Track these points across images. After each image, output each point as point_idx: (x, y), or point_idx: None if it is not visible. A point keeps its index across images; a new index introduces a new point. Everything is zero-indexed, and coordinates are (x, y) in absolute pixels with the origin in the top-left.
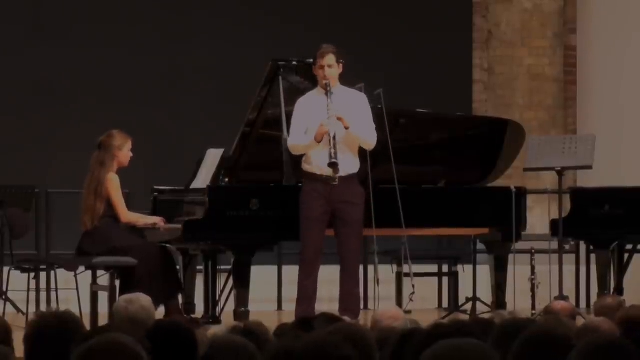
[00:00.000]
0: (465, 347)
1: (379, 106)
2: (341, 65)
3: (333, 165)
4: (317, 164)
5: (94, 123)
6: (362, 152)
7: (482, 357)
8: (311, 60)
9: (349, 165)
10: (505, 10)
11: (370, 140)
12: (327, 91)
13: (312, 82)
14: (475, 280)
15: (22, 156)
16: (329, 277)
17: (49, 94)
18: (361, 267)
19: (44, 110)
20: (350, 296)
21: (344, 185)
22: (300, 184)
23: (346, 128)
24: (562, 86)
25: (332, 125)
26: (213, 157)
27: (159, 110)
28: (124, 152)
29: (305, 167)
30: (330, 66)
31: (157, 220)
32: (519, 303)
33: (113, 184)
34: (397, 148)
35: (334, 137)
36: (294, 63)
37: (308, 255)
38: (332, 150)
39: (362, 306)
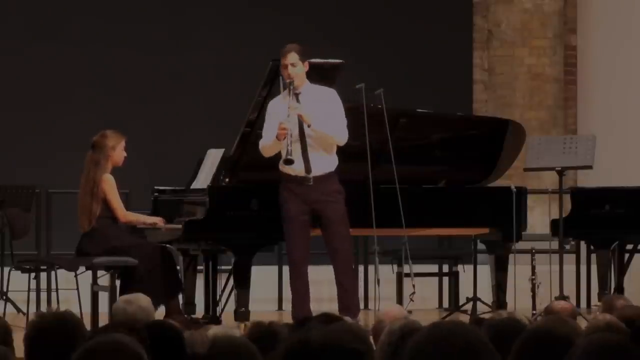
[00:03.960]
0: (452, 327)
1: (379, 106)
2: (306, 63)
3: (288, 162)
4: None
5: (94, 123)
6: (362, 152)
7: (469, 336)
8: (312, 60)
9: (323, 164)
10: (505, 10)
11: (338, 137)
12: (290, 90)
13: (313, 82)
14: (475, 280)
15: (22, 156)
16: (329, 277)
17: (50, 93)
18: (361, 267)
19: (44, 110)
20: (347, 295)
21: (319, 185)
22: None
23: (308, 126)
24: (562, 86)
25: (291, 123)
26: (213, 157)
27: (159, 110)
28: (118, 151)
29: (281, 168)
30: (294, 64)
31: (156, 220)
32: (519, 303)
33: (109, 185)
34: (398, 148)
35: (291, 135)
36: None
37: (295, 256)
38: (289, 148)
39: (362, 306)
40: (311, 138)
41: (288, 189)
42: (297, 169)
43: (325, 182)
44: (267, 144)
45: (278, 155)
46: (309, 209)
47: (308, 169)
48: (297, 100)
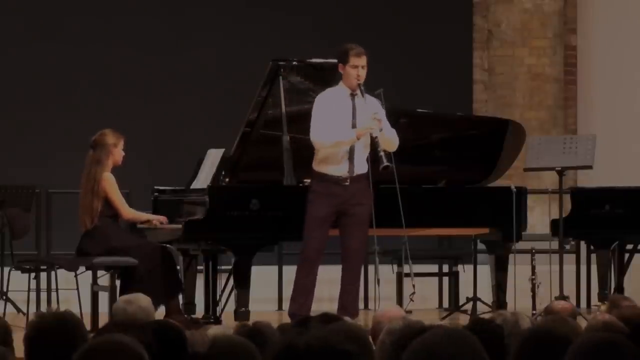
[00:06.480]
0: (448, 333)
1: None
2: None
3: (386, 169)
4: (333, 164)
5: (94, 123)
6: None
7: (464, 343)
8: (312, 60)
9: (360, 165)
10: (505, 10)
11: (397, 142)
12: (362, 91)
13: (313, 82)
14: (475, 280)
15: (22, 156)
16: (329, 277)
17: (50, 93)
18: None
19: (44, 109)
20: (348, 296)
21: (355, 185)
22: (300, 184)
23: (380, 130)
24: (562, 86)
25: (375, 126)
26: (213, 157)
27: (159, 110)
28: (119, 149)
29: (316, 167)
30: (364, 67)
31: (161, 218)
32: (519, 303)
33: (110, 183)
34: (398, 148)
35: (375, 138)
36: (294, 63)
37: (310, 254)
38: (381, 153)
39: (362, 306)
40: (360, 141)
41: (322, 187)
42: (341, 170)
43: (359, 183)
44: (337, 141)
45: (280, 156)
46: (337, 209)
47: (352, 171)
48: (353, 101)
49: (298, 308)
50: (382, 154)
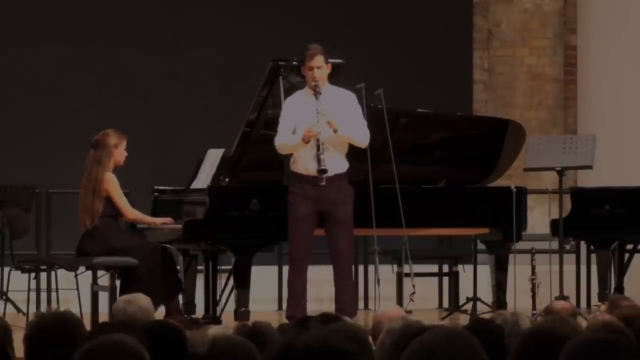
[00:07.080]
0: (448, 333)
1: (379, 106)
2: (330, 65)
3: (322, 172)
4: (303, 164)
5: (94, 123)
6: (362, 152)
7: (464, 343)
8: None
9: (336, 165)
10: (505, 10)
11: (362, 140)
12: (317, 92)
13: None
14: (475, 280)
15: (22, 156)
16: (329, 277)
17: (50, 93)
18: (361, 267)
19: (44, 109)
20: (343, 296)
21: (332, 185)
22: None
23: (335, 131)
24: (562, 86)
25: (321, 128)
26: (213, 157)
27: (159, 110)
28: (120, 150)
29: (292, 167)
30: (319, 67)
31: (166, 220)
32: (519, 303)
33: (112, 184)
34: (398, 148)
35: (322, 143)
36: (294, 63)
37: (296, 255)
38: (321, 156)
39: (362, 306)
40: (327, 140)
41: (299, 188)
42: (310, 169)
43: (337, 183)
44: (290, 145)
45: (280, 156)
46: (317, 209)
47: (323, 170)
48: (317, 100)
49: (295, 310)
50: (321, 156)
